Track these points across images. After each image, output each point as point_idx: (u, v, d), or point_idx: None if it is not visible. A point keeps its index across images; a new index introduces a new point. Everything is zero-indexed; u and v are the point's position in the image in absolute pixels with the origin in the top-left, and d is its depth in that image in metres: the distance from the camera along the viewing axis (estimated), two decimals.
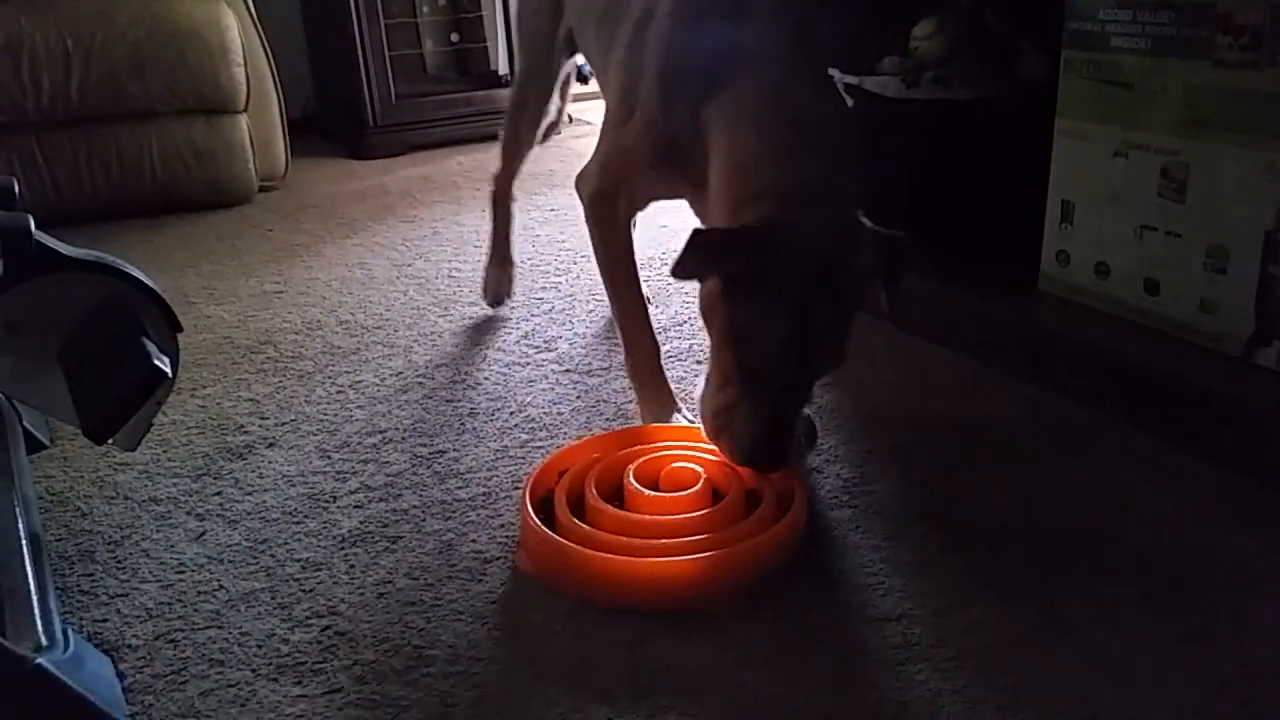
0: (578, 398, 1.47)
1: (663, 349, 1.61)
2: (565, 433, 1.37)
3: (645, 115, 1.20)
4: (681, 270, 1.04)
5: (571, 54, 1.65)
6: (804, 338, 1.03)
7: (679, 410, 1.31)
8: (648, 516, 1.07)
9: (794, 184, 1.07)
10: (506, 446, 1.34)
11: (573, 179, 1.38)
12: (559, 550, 1.03)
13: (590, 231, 1.34)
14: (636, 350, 1.34)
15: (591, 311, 1.81)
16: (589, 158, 1.33)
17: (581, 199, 1.33)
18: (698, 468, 1.14)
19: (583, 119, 3.86)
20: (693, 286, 1.91)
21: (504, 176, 1.82)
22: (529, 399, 1.47)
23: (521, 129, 1.75)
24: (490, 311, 1.83)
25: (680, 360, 1.58)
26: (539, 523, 1.07)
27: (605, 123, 1.32)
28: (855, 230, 1.07)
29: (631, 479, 1.12)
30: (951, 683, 0.89)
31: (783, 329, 1.02)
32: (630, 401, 1.44)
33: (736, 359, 1.07)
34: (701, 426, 1.15)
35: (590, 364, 1.58)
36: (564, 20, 1.58)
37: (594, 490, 1.10)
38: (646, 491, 1.10)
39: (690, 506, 1.08)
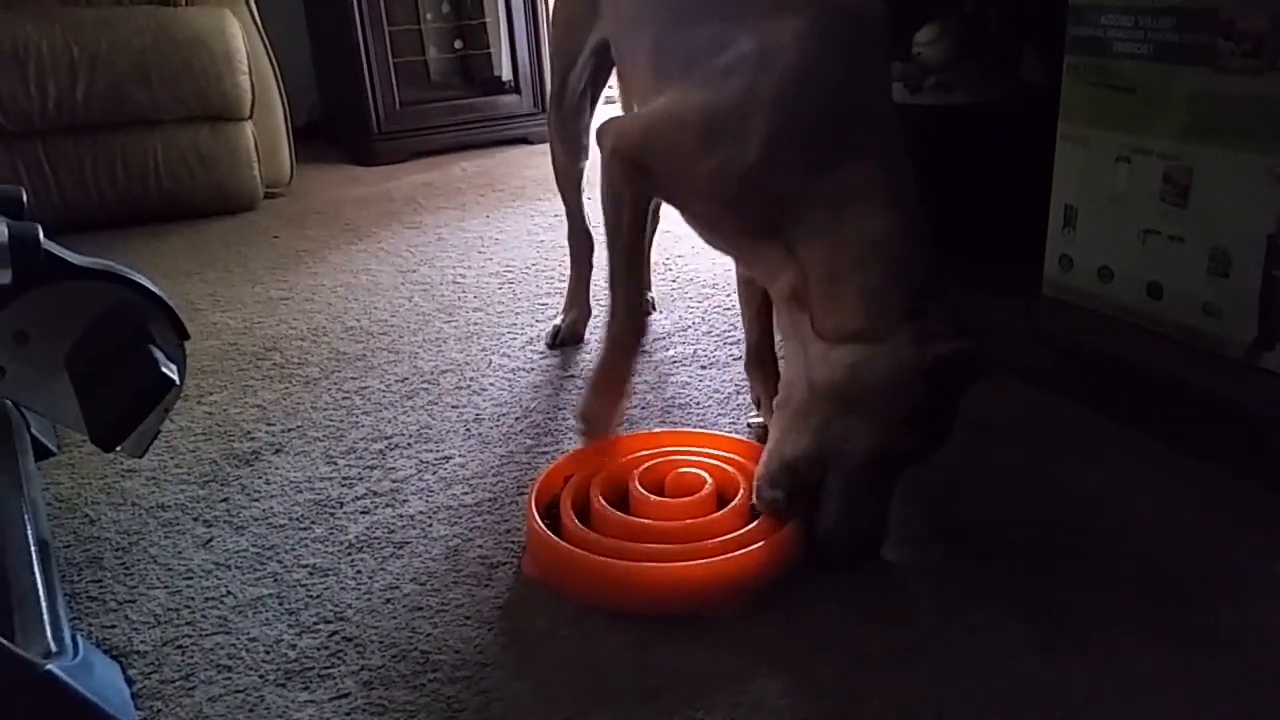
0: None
1: (667, 354, 1.62)
2: (571, 438, 1.37)
3: (731, 157, 1.08)
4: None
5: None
6: (933, 449, 1.04)
7: (616, 418, 1.29)
8: (652, 521, 1.08)
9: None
10: (512, 452, 1.35)
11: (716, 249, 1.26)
12: (563, 555, 1.04)
13: (608, 177, 1.21)
14: (623, 320, 1.27)
15: (596, 317, 1.81)
16: (629, 115, 1.21)
17: (604, 146, 1.21)
18: (704, 473, 1.14)
19: None
20: (695, 293, 1.92)
21: (573, 218, 1.71)
22: (534, 404, 1.48)
23: (564, 145, 1.65)
24: (495, 317, 1.83)
25: (685, 365, 1.59)
26: (544, 528, 1.07)
27: (675, 108, 1.15)
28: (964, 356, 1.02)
29: (637, 484, 1.12)
30: (956, 686, 0.89)
31: (916, 432, 1.01)
32: (635, 406, 1.45)
33: (877, 463, 1.01)
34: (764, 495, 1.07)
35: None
36: (596, 31, 1.49)
37: (599, 495, 1.11)
38: (652, 497, 1.11)
39: (696, 512, 1.09)
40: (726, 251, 1.24)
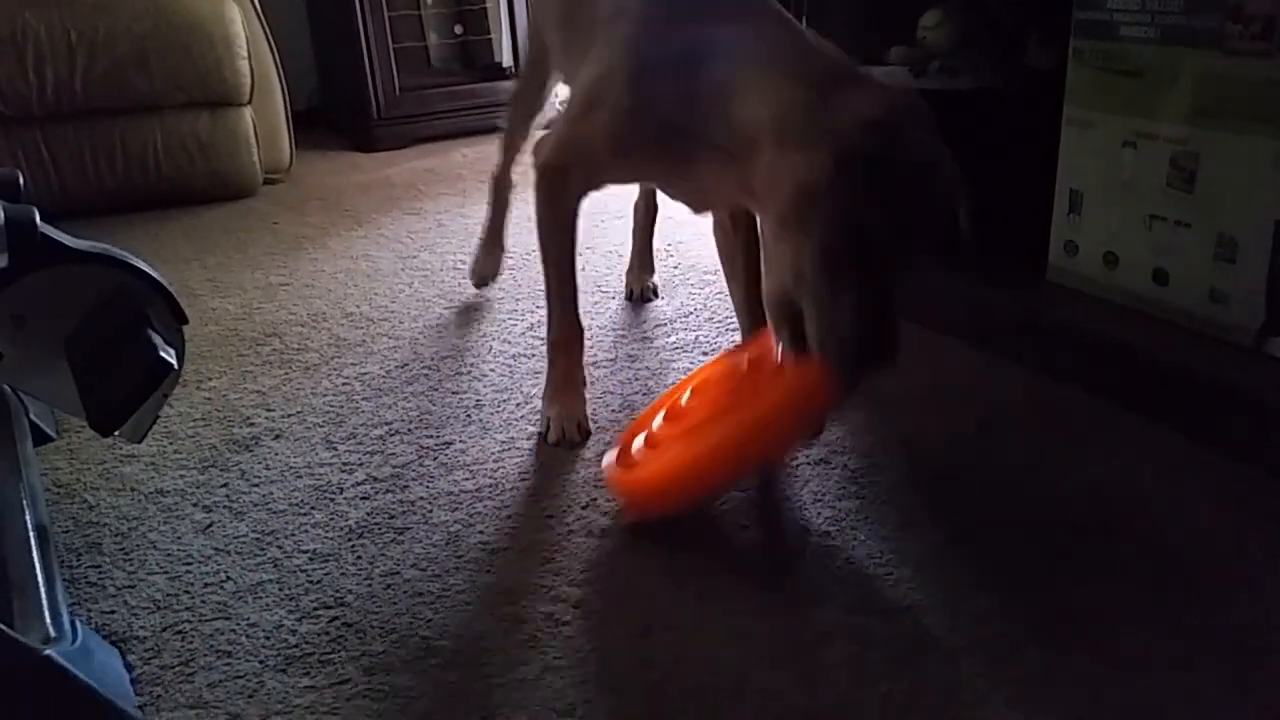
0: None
1: (669, 340, 1.61)
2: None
3: (613, 108, 1.18)
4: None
5: None
6: (910, 223, 0.98)
7: (584, 401, 1.37)
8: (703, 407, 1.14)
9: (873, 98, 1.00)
10: (513, 438, 1.34)
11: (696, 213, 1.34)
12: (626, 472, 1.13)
13: (536, 199, 1.32)
14: (558, 323, 1.36)
15: (596, 303, 1.80)
16: (550, 132, 1.31)
17: (535, 166, 1.31)
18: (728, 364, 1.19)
19: None
20: (696, 280, 1.91)
21: (502, 164, 1.92)
22: (535, 390, 1.47)
23: (516, 119, 1.85)
24: (495, 303, 1.82)
25: (686, 352, 1.58)
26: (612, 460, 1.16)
27: (568, 110, 1.28)
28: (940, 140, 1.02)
29: (682, 400, 1.19)
30: (962, 674, 0.89)
31: (892, 213, 0.96)
32: (636, 393, 1.44)
33: (838, 248, 0.97)
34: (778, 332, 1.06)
35: (595, 355, 1.58)
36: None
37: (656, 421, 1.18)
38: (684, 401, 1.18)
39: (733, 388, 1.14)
40: (700, 204, 1.30)
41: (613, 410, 1.41)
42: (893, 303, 0.99)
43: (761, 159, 1.04)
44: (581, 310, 1.35)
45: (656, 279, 1.87)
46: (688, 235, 2.16)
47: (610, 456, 1.20)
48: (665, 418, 1.18)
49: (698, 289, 1.85)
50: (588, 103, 1.22)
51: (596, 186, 1.32)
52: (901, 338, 0.99)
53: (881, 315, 0.98)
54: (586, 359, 1.44)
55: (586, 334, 1.35)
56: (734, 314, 1.71)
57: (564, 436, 1.32)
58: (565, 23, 1.43)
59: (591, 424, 1.35)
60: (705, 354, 1.56)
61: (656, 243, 2.13)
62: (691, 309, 1.76)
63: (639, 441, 1.17)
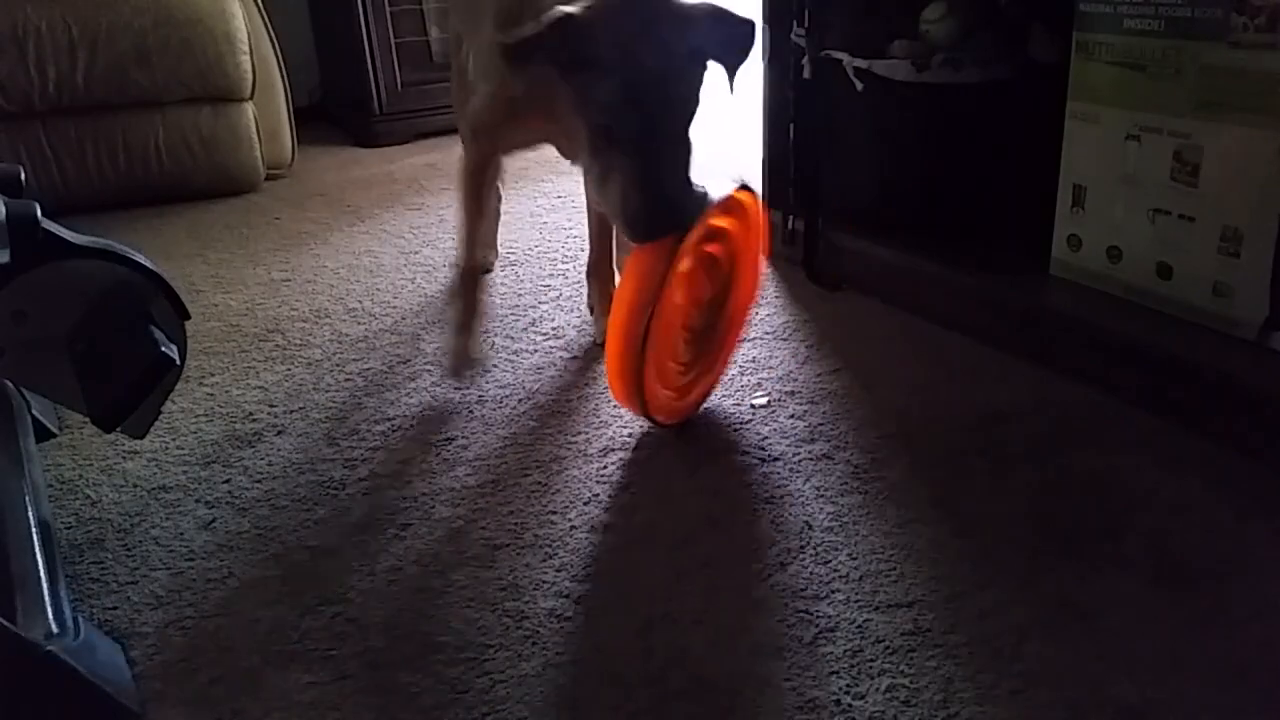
0: (585, 384, 1.47)
1: None
2: (574, 419, 1.36)
3: (491, 85, 1.36)
4: (514, 75, 1.16)
5: None
6: (641, 87, 1.11)
7: (482, 343, 1.52)
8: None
9: None
10: (515, 434, 1.34)
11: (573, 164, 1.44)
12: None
13: (464, 155, 1.51)
14: (463, 267, 1.51)
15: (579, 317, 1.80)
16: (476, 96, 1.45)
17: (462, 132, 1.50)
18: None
19: None
20: None
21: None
22: (537, 386, 1.47)
23: (460, 100, 1.89)
24: (498, 299, 1.82)
25: None
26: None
27: (476, 80, 1.46)
28: (687, 6, 1.15)
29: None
30: (964, 669, 0.89)
31: (617, 84, 1.11)
32: None
33: (596, 131, 1.15)
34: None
35: (598, 351, 1.57)
36: None
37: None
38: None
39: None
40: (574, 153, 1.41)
41: (614, 405, 1.40)
42: (664, 171, 1.14)
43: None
44: (581, 305, 1.36)
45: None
46: None
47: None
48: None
49: None
50: (476, 79, 1.39)
51: (504, 150, 1.51)
52: (688, 198, 1.16)
53: (653, 184, 1.13)
54: (587, 352, 1.44)
55: (588, 329, 1.36)
56: None
57: (456, 370, 1.47)
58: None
59: (593, 418, 1.35)
60: None
61: None
62: None
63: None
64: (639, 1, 1.15)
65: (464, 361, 1.47)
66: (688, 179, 1.17)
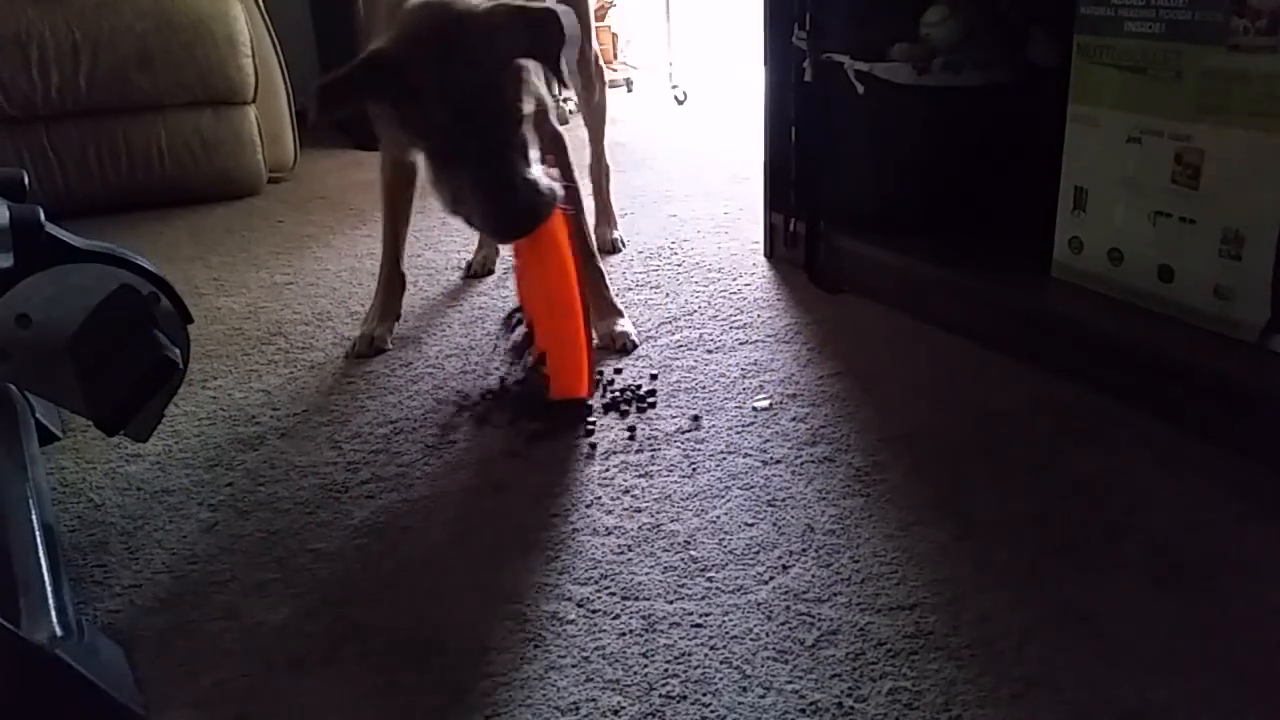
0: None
1: (673, 339, 1.61)
2: (574, 423, 1.36)
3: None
4: (321, 115, 1.21)
5: None
6: (461, 104, 1.20)
7: (390, 329, 1.66)
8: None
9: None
10: (516, 437, 1.34)
11: (580, 169, 1.57)
12: None
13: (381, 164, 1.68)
14: (383, 262, 1.70)
15: None
16: None
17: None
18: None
19: None
20: (700, 277, 1.91)
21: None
22: (537, 389, 1.47)
23: None
24: (499, 302, 1.83)
25: (690, 350, 1.58)
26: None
27: None
28: (484, 15, 1.23)
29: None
30: (965, 671, 0.89)
31: (438, 107, 1.20)
32: (645, 391, 1.44)
33: (434, 152, 1.27)
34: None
35: (600, 355, 1.58)
36: None
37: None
38: None
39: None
40: None
41: (617, 411, 1.41)
42: (507, 174, 1.22)
43: None
44: None
45: (659, 275, 1.87)
46: (691, 234, 2.16)
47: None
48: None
49: (701, 287, 1.85)
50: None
51: (400, 160, 1.59)
52: (536, 193, 1.24)
53: (501, 189, 1.22)
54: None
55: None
56: (737, 311, 1.71)
57: (356, 349, 1.62)
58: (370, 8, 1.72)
59: (595, 419, 1.36)
60: (710, 351, 1.56)
61: (659, 240, 2.14)
62: (695, 307, 1.75)
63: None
64: (441, 23, 1.22)
65: (368, 345, 1.62)
66: (528, 176, 1.25)
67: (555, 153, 1.51)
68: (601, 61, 2.09)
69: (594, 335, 1.46)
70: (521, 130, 1.26)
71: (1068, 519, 1.11)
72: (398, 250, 1.71)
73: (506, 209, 1.24)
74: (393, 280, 1.70)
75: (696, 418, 1.36)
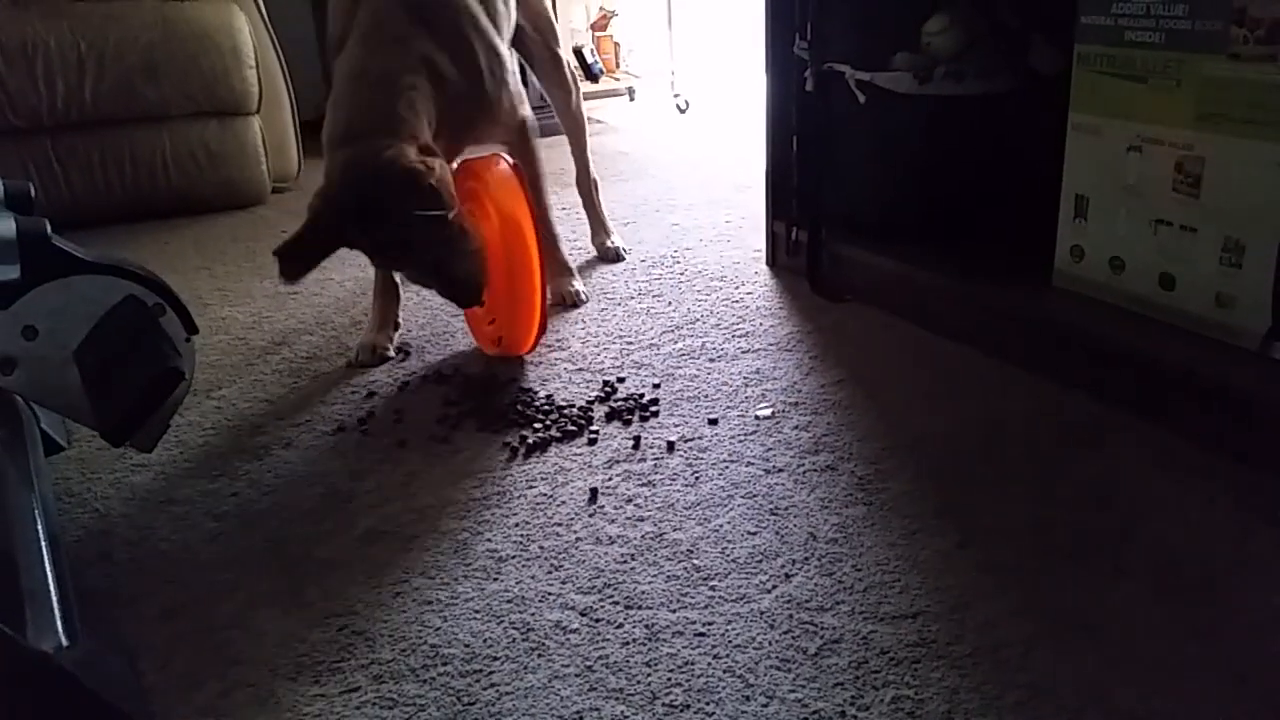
0: (591, 396, 1.47)
1: (675, 347, 1.62)
2: (578, 432, 1.37)
3: (337, 111, 1.54)
4: (286, 279, 1.47)
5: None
6: (388, 258, 1.52)
7: (390, 337, 1.72)
8: None
9: (340, 132, 1.46)
10: (519, 446, 1.34)
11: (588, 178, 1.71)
12: None
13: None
14: (378, 274, 1.76)
15: (603, 310, 1.81)
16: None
17: None
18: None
19: (592, 117, 3.86)
20: (703, 286, 1.92)
21: None
22: (543, 397, 1.47)
23: None
24: None
25: (693, 358, 1.58)
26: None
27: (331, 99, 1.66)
28: (392, 163, 1.38)
29: None
30: (969, 679, 0.89)
31: (375, 258, 1.53)
32: (649, 395, 1.44)
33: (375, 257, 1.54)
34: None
35: (603, 362, 1.58)
36: None
37: None
38: None
39: None
40: None
41: (622, 417, 1.41)
42: (425, 271, 1.46)
43: None
44: (586, 316, 1.37)
45: (662, 285, 1.87)
46: (694, 242, 2.16)
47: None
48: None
49: (704, 295, 1.86)
50: (334, 103, 1.55)
51: None
52: (464, 291, 1.46)
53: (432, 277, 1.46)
54: (593, 364, 1.44)
55: (593, 340, 1.37)
56: (739, 320, 1.72)
57: (359, 357, 1.66)
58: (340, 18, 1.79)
59: (600, 426, 1.36)
60: (712, 360, 1.57)
61: (662, 249, 2.14)
62: (697, 316, 1.76)
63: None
64: (363, 184, 1.39)
65: (369, 354, 1.67)
66: (459, 278, 1.45)
67: (520, 145, 1.72)
68: (574, 68, 2.13)
69: (548, 294, 1.60)
70: (451, 238, 1.42)
71: (1070, 526, 1.11)
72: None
73: (450, 296, 1.49)
74: (388, 289, 1.75)
75: (714, 421, 1.37)
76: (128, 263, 1.05)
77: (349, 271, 2.10)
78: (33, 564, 0.97)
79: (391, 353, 1.68)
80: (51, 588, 0.94)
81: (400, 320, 1.75)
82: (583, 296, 1.85)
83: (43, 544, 1.00)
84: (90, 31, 2.51)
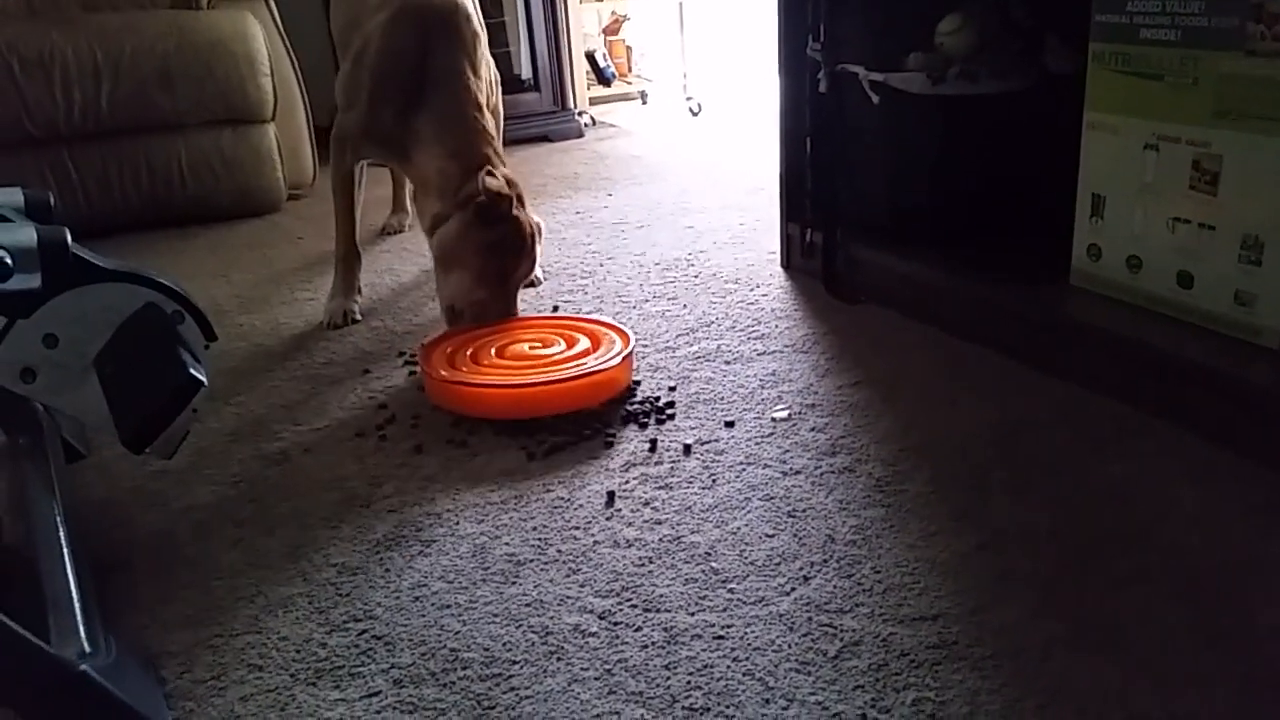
0: (608, 399, 1.47)
1: (691, 350, 1.62)
2: (595, 434, 1.37)
3: (361, 112, 1.79)
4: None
5: None
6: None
7: (356, 301, 1.91)
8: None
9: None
10: (536, 449, 1.34)
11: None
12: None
13: (332, 161, 1.90)
14: (340, 245, 1.93)
15: (618, 314, 1.81)
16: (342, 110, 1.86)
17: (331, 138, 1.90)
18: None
19: (605, 120, 3.87)
20: (718, 289, 1.91)
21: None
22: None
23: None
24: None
25: (709, 361, 1.58)
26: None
27: (340, 101, 1.87)
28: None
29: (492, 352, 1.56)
30: (989, 681, 0.89)
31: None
32: (660, 397, 1.44)
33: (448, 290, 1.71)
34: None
35: None
36: None
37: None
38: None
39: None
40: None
41: (636, 424, 1.41)
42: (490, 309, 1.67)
43: (428, 206, 1.75)
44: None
45: (676, 288, 1.87)
46: (708, 245, 2.16)
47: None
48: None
49: (719, 298, 1.86)
50: (346, 102, 1.81)
51: (362, 157, 1.89)
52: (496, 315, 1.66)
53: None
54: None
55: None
56: (755, 322, 1.71)
57: (332, 320, 1.85)
58: (343, 19, 1.98)
59: (618, 428, 1.36)
60: (728, 362, 1.57)
61: (676, 252, 2.14)
62: (713, 318, 1.76)
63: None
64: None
65: (341, 317, 1.85)
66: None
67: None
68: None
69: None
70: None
71: (1089, 528, 1.10)
72: (351, 231, 1.92)
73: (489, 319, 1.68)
74: (349, 258, 1.93)
75: (731, 423, 1.37)
76: (147, 271, 1.05)
77: (365, 277, 2.10)
78: (55, 571, 0.97)
79: (359, 316, 1.88)
80: (74, 595, 0.94)
81: (362, 286, 1.95)
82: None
83: (65, 551, 1.01)
84: (106, 41, 2.53)
